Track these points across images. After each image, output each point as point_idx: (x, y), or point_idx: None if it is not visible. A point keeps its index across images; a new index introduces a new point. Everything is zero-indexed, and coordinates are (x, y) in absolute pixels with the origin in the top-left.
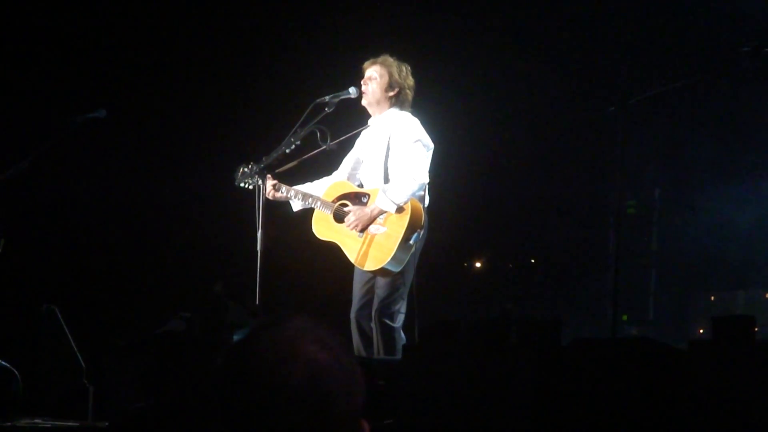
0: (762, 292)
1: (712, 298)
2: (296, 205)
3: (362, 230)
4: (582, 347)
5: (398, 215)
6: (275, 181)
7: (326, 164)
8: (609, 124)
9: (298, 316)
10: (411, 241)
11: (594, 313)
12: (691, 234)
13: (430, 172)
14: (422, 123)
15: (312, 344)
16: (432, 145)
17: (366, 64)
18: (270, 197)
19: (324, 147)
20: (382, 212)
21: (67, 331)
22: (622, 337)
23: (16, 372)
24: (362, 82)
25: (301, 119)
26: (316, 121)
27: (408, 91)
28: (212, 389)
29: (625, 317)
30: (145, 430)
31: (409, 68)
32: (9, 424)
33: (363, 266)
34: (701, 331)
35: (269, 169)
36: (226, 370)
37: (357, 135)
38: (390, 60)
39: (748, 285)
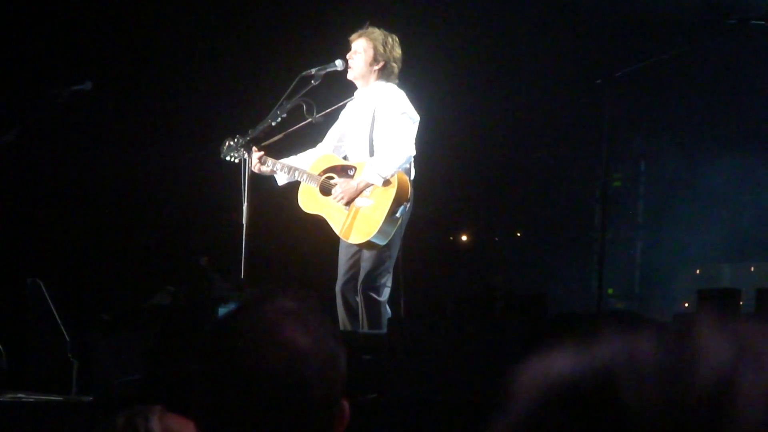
0: (748, 265)
1: (698, 271)
2: (281, 179)
3: (348, 203)
4: (567, 321)
5: (384, 188)
6: (261, 154)
7: (312, 137)
8: (595, 97)
9: (283, 295)
10: (397, 214)
11: (580, 287)
12: (678, 207)
13: (416, 144)
14: (408, 95)
15: (293, 328)
16: (417, 118)
17: (352, 36)
18: (256, 170)
19: (310, 120)
20: (368, 185)
21: (51, 305)
22: (606, 311)
23: (1, 346)
24: (348, 56)
25: (287, 92)
26: (302, 93)
27: (394, 63)
28: (194, 368)
29: (611, 291)
30: (130, 404)
31: (396, 39)
32: None
33: (349, 239)
34: (686, 304)
35: (255, 142)
36: (206, 349)
37: (343, 107)
38: (376, 32)
39: (734, 258)
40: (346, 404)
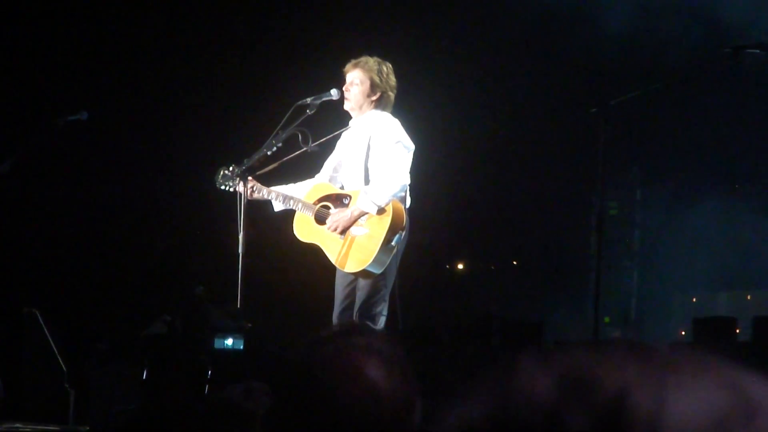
0: (744, 293)
1: (694, 299)
2: (277, 206)
3: (343, 232)
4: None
5: (380, 216)
6: (255, 183)
7: (308, 166)
8: (591, 126)
9: (371, 330)
10: (393, 243)
11: (576, 315)
12: (673, 235)
13: (411, 173)
14: (403, 123)
15: (378, 367)
16: (412, 146)
17: (347, 67)
18: (250, 198)
19: (305, 149)
20: (363, 213)
21: (48, 334)
22: (602, 339)
23: None
24: (344, 88)
25: (283, 121)
26: (297, 123)
27: (390, 93)
28: (272, 389)
29: (607, 319)
30: None
31: (390, 67)
32: None
33: (344, 268)
34: (683, 332)
35: (250, 172)
36: (287, 373)
37: (338, 136)
38: (371, 62)
39: (730, 286)
40: None
